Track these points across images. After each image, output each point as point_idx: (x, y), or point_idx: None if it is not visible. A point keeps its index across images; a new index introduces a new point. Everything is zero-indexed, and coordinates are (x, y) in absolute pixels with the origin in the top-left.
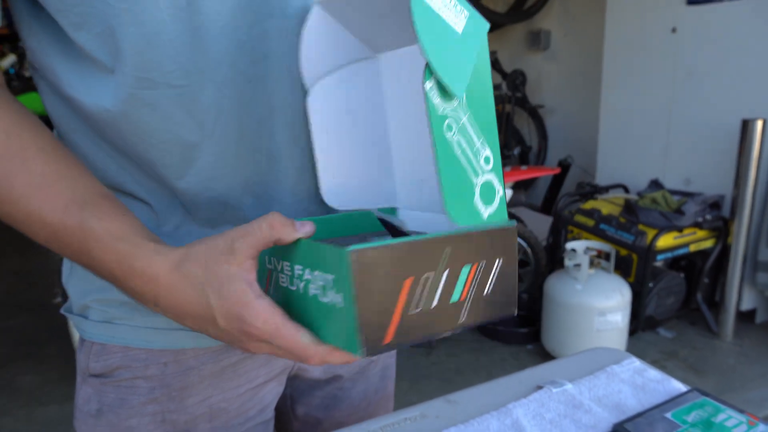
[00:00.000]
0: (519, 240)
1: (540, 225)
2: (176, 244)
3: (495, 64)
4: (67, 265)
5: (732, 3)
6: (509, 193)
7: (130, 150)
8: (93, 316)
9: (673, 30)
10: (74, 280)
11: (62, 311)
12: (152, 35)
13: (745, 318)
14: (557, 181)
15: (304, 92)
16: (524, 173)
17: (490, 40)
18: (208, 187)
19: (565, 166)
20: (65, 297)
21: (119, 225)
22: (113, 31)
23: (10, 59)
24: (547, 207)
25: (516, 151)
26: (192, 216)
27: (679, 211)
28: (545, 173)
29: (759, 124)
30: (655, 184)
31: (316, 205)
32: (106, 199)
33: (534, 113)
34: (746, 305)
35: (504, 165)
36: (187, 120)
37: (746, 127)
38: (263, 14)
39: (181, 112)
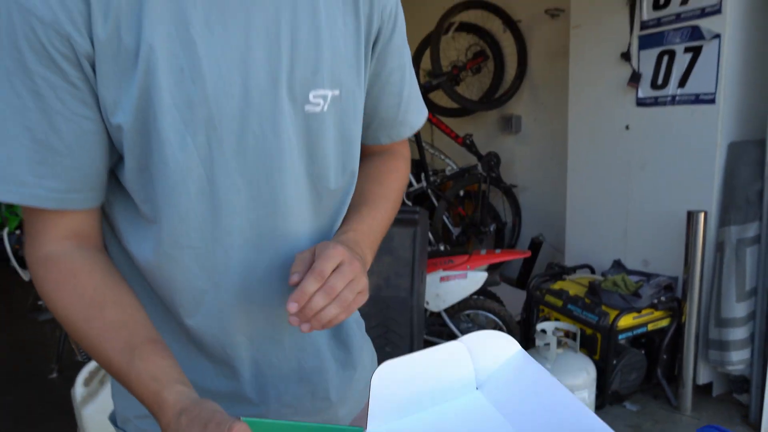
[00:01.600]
0: (494, 317)
1: (515, 299)
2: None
3: (471, 147)
4: (114, 382)
5: (674, 107)
6: (484, 275)
7: (158, 290)
8: (130, 429)
9: (627, 127)
10: (119, 397)
11: (108, 419)
12: (183, 213)
13: (704, 391)
14: (531, 256)
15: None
16: (497, 257)
17: (466, 123)
18: (210, 325)
19: (537, 243)
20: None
21: (156, 367)
22: (159, 209)
23: None
24: (521, 281)
25: (492, 227)
26: (198, 350)
27: (636, 294)
28: (517, 256)
29: (701, 216)
30: (618, 265)
31: (309, 350)
32: (152, 344)
33: (508, 192)
34: (703, 379)
35: (480, 241)
36: (200, 272)
37: (691, 218)
38: (271, 201)
39: (196, 267)
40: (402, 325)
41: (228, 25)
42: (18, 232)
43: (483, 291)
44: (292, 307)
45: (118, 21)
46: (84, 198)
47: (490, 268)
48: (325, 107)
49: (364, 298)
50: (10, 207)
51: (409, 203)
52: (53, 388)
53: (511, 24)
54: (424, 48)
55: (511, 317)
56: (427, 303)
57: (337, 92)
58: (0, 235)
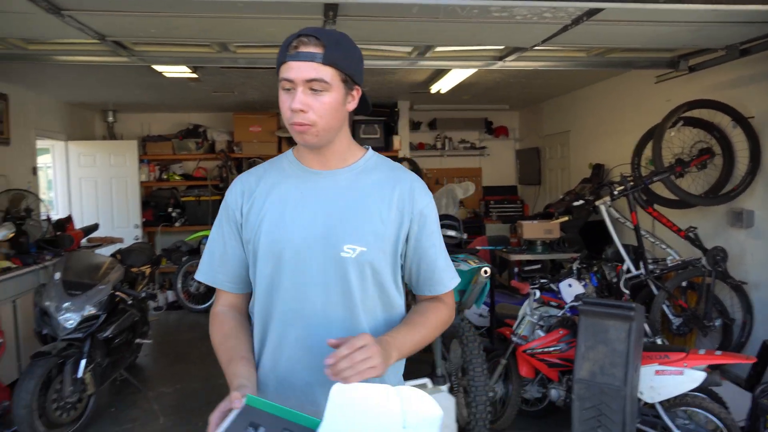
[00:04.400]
0: (714, 419)
1: (742, 401)
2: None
3: (695, 240)
4: None
5: None
6: (702, 375)
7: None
8: None
9: None
10: None
11: None
12: (262, 294)
13: None
14: (762, 360)
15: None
16: (716, 358)
17: (691, 214)
18: (269, 358)
19: None
20: None
21: (238, 370)
22: (256, 291)
23: None
24: (751, 381)
25: (718, 322)
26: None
27: None
28: (739, 361)
29: None
30: None
31: None
32: (242, 359)
33: (737, 288)
34: None
35: (704, 335)
36: (272, 329)
37: None
38: (306, 301)
39: (270, 324)
40: (615, 411)
41: (306, 208)
42: None
43: (704, 389)
44: (329, 361)
45: (252, 203)
46: (236, 287)
47: (712, 367)
48: (354, 255)
49: (374, 372)
50: None
51: (627, 291)
52: None
53: (742, 121)
54: (647, 140)
55: (734, 423)
56: (641, 393)
57: (364, 249)
58: None
